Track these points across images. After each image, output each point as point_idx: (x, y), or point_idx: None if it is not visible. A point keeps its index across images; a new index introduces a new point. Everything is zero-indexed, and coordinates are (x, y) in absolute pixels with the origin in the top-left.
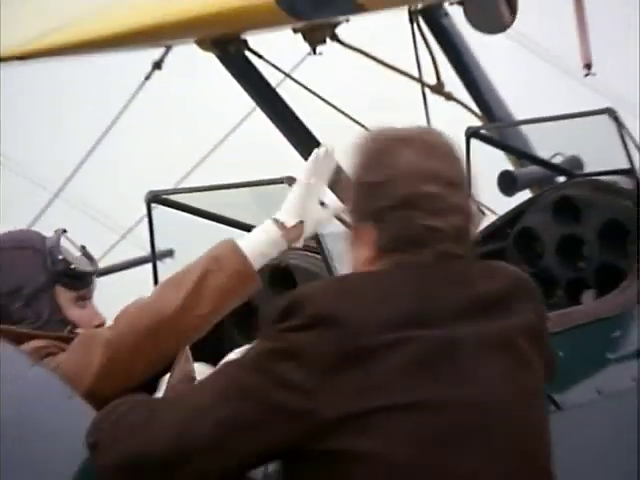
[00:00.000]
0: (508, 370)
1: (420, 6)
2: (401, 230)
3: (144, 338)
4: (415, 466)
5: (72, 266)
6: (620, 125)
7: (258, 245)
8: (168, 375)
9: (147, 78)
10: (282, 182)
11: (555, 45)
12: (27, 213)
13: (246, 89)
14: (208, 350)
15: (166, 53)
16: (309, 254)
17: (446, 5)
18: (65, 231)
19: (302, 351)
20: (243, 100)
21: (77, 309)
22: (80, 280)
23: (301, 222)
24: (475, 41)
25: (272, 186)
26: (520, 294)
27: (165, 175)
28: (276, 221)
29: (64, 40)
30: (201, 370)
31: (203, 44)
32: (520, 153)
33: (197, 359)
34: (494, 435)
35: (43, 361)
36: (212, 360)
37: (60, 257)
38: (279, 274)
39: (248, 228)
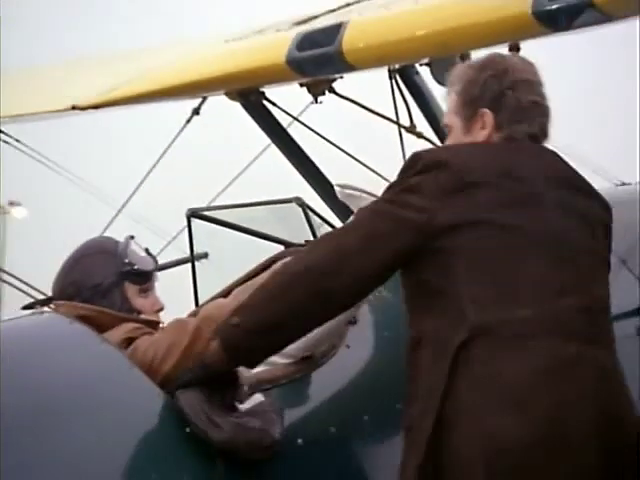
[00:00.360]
0: (583, 230)
1: (397, 66)
2: (515, 106)
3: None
4: (496, 265)
5: (136, 266)
6: None
7: None
8: None
9: (188, 121)
10: (291, 201)
11: None
12: (96, 223)
13: (263, 129)
14: None
15: (203, 102)
16: None
17: (417, 66)
18: (133, 237)
19: (421, 186)
20: (262, 137)
21: (141, 299)
22: (142, 277)
23: None
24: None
25: (283, 204)
26: (593, 193)
27: (201, 194)
28: None
29: (129, 93)
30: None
31: (230, 95)
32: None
33: None
34: (565, 261)
35: (142, 337)
36: None
37: (126, 260)
38: None
39: (264, 237)
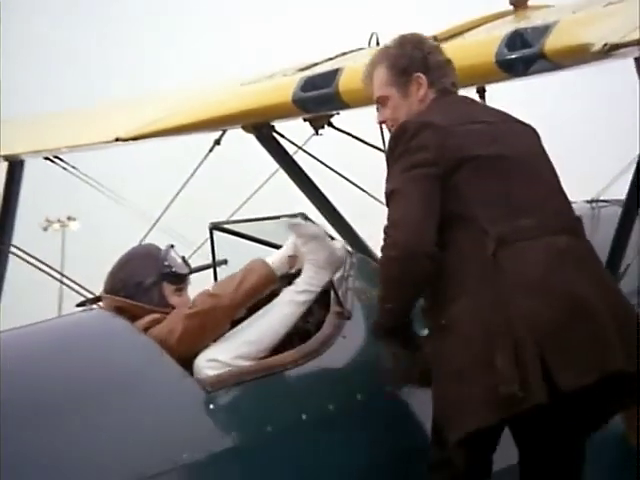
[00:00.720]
0: (537, 152)
1: None
2: (438, 65)
3: (208, 314)
4: (493, 187)
5: (173, 269)
6: None
7: (275, 263)
8: None
9: (211, 150)
10: (296, 216)
11: None
12: (134, 234)
13: (273, 156)
14: None
15: (223, 134)
16: None
17: None
18: (173, 246)
19: (423, 144)
20: (271, 163)
21: (176, 297)
22: (178, 278)
23: (295, 256)
24: None
25: (290, 218)
26: (523, 122)
27: (221, 210)
28: (285, 252)
29: (162, 126)
30: None
31: (246, 128)
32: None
33: None
34: (537, 177)
35: (157, 326)
36: None
37: (166, 263)
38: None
39: (274, 246)
